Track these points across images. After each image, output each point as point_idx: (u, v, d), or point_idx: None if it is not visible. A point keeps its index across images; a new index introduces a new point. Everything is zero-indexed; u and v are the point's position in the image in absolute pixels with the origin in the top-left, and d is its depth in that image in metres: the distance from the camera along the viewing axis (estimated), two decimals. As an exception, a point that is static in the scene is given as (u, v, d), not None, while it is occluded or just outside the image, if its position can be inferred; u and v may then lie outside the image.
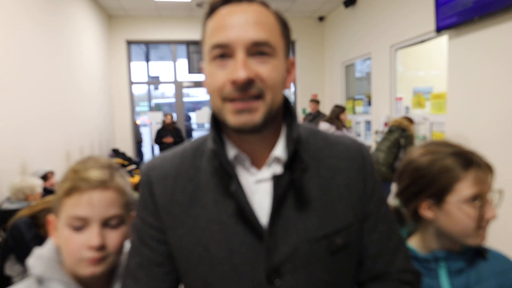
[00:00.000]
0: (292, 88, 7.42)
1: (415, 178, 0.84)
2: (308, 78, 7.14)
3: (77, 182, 0.74)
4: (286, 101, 0.69)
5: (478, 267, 0.84)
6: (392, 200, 0.93)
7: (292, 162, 0.64)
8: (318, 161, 0.68)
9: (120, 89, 6.61)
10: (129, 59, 6.78)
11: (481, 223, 0.79)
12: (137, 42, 6.95)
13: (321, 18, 6.96)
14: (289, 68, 0.66)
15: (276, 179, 0.62)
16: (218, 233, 0.63)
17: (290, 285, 0.62)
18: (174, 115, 7.03)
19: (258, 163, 0.67)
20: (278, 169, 0.65)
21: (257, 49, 0.59)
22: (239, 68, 0.57)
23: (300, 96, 7.21)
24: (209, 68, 0.62)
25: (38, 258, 0.79)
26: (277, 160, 0.66)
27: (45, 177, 3.05)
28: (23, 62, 3.13)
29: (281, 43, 0.63)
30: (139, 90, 12.61)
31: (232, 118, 0.60)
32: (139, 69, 12.24)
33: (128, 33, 6.56)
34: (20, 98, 3.04)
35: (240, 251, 0.63)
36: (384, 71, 4.94)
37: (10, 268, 2.17)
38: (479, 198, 0.78)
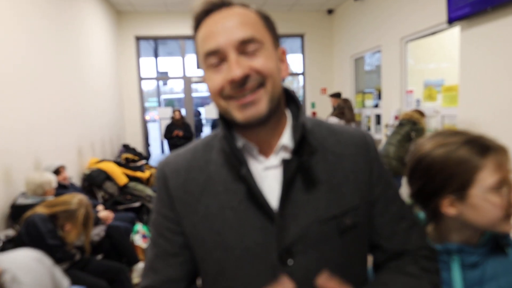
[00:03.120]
0: (301, 82, 7.38)
1: (430, 175, 0.77)
2: (317, 71, 7.09)
3: None
4: (286, 91, 0.73)
5: (496, 261, 0.79)
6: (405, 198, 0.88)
7: (299, 148, 0.67)
8: (323, 148, 0.71)
9: (129, 85, 6.65)
10: (138, 55, 6.81)
11: (510, 210, 0.74)
12: (146, 38, 6.98)
13: (330, 11, 6.89)
14: (281, 57, 0.70)
15: (285, 163, 0.66)
16: (230, 218, 0.67)
17: (302, 265, 0.65)
18: (183, 111, 7.06)
19: (265, 152, 0.70)
20: (286, 156, 0.69)
21: (246, 47, 0.63)
22: (233, 68, 0.61)
23: (308, 90, 7.17)
24: (206, 75, 0.67)
25: None
26: (284, 148, 0.69)
27: (56, 172, 3.10)
28: (34, 59, 3.16)
29: (267, 35, 0.67)
30: (148, 86, 12.67)
31: (238, 114, 0.64)
32: (148, 65, 12.30)
33: (137, 29, 6.58)
34: (32, 95, 3.09)
35: (252, 235, 0.66)
36: (395, 64, 4.88)
37: None
38: (504, 184, 0.73)
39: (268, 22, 0.69)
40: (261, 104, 0.63)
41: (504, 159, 0.75)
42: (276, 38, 0.70)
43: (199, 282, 0.76)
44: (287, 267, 0.65)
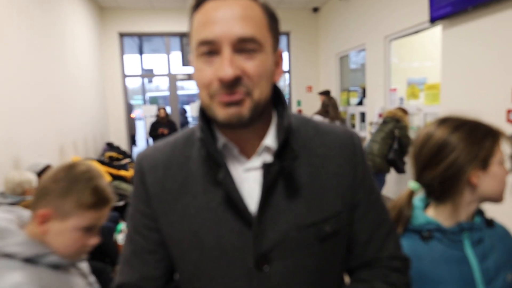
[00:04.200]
0: (287, 80, 7.40)
1: (460, 151, 0.86)
2: (303, 69, 7.12)
3: None
4: (276, 91, 0.69)
5: (490, 235, 0.90)
6: (412, 184, 0.95)
7: (282, 151, 0.64)
8: (308, 150, 0.68)
9: (113, 82, 6.55)
10: (122, 52, 6.71)
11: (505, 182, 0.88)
12: (130, 35, 6.88)
13: (315, 9, 6.92)
14: (278, 60, 0.66)
15: (266, 167, 0.63)
16: (207, 220, 0.65)
17: (279, 271, 0.64)
18: (168, 109, 7.00)
19: (247, 153, 0.67)
20: (268, 158, 0.66)
21: (243, 45, 0.58)
22: (226, 66, 0.57)
23: (294, 88, 7.20)
24: (196, 63, 0.62)
25: None
26: (267, 149, 0.66)
27: (44, 170, 3.04)
28: (14, 55, 3.08)
29: (269, 37, 0.62)
30: (133, 83, 12.51)
31: (220, 112, 0.60)
32: (133, 62, 12.13)
33: (121, 25, 6.48)
34: (13, 91, 3.01)
35: (229, 238, 0.64)
36: (379, 62, 4.94)
37: None
38: (502, 160, 0.88)
39: (273, 21, 0.64)
40: (244, 107, 0.59)
41: (501, 140, 0.89)
42: (277, 39, 0.66)
43: (176, 276, 0.75)
44: (263, 273, 0.63)
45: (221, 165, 0.63)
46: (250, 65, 0.59)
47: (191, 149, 0.69)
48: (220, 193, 0.64)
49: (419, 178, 0.93)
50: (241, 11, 0.59)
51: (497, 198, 0.89)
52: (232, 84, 0.58)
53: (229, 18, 0.58)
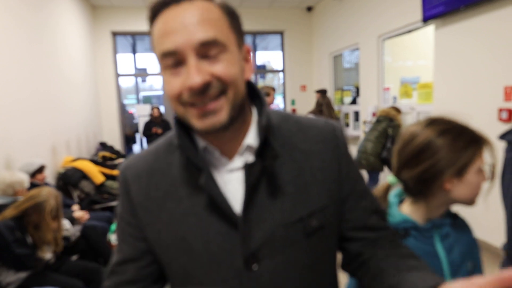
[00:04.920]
0: (281, 79, 7.40)
1: (439, 157, 0.88)
2: (297, 68, 7.12)
3: None
4: (251, 87, 0.68)
5: (453, 228, 0.96)
6: (390, 178, 0.99)
7: (263, 150, 0.64)
8: (290, 146, 0.68)
9: (106, 82, 6.50)
10: (115, 51, 6.67)
11: (481, 188, 0.92)
12: (123, 34, 6.83)
13: (309, 8, 6.93)
14: (246, 56, 0.65)
15: (247, 167, 0.62)
16: (194, 225, 0.65)
17: (268, 269, 0.64)
18: (162, 108, 6.97)
19: (229, 153, 0.67)
20: (250, 157, 0.66)
21: (207, 50, 0.57)
22: (193, 74, 0.56)
23: (289, 87, 7.20)
24: (164, 76, 0.60)
25: None
26: (249, 148, 0.66)
27: (39, 170, 3.03)
28: (5, 54, 3.04)
29: (231, 35, 0.61)
30: (127, 83, 12.44)
31: (197, 123, 0.59)
32: (126, 61, 12.05)
33: (114, 24, 6.43)
34: (4, 90, 2.97)
35: (216, 241, 0.64)
36: (372, 61, 4.96)
37: (6, 276, 2.13)
38: (481, 167, 0.90)
39: (233, 19, 0.62)
40: (222, 113, 0.59)
41: (484, 148, 0.91)
42: (241, 36, 0.64)
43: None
44: (253, 272, 0.63)
45: (203, 169, 0.62)
46: (218, 67, 0.58)
47: (172, 155, 0.69)
48: (204, 197, 0.64)
49: (397, 174, 0.96)
50: (197, 14, 0.57)
51: (468, 203, 0.93)
52: (202, 91, 0.57)
53: (187, 24, 0.56)
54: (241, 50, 0.64)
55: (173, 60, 0.58)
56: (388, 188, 1.00)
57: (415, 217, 0.95)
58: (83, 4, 5.72)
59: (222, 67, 0.58)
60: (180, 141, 0.64)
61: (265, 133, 0.64)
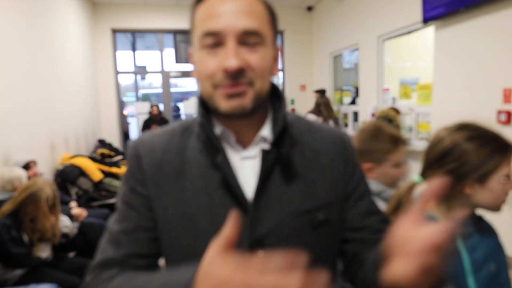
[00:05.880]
0: (281, 79, 7.40)
1: (463, 162, 0.90)
2: (297, 68, 7.12)
3: None
4: (274, 88, 0.71)
5: (478, 230, 0.97)
6: (415, 177, 1.02)
7: (279, 140, 0.67)
8: (301, 143, 0.71)
9: (105, 79, 6.49)
10: (115, 48, 6.65)
11: (507, 196, 0.92)
12: (123, 31, 6.82)
13: (309, 8, 6.93)
14: (276, 56, 0.68)
15: (264, 153, 0.65)
16: (204, 204, 0.66)
17: None
18: (161, 106, 6.96)
19: (244, 142, 0.69)
20: (265, 147, 0.68)
21: (247, 38, 0.60)
22: (231, 57, 0.58)
23: (288, 86, 7.20)
24: (199, 55, 0.63)
25: None
26: (263, 140, 0.68)
27: (26, 167, 3.00)
28: (4, 51, 3.03)
29: (270, 32, 0.64)
30: (126, 80, 12.42)
31: (223, 103, 0.62)
32: (125, 59, 12.03)
33: (113, 21, 6.42)
34: (2, 88, 2.96)
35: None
36: (372, 62, 4.96)
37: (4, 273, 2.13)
38: (509, 175, 0.91)
39: (273, 18, 0.66)
40: (246, 98, 0.61)
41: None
42: (276, 36, 0.68)
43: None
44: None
45: (220, 150, 0.65)
46: (253, 57, 0.61)
47: (188, 138, 0.71)
48: (217, 178, 0.66)
49: (423, 174, 1.00)
50: (246, 5, 0.61)
51: (492, 209, 0.94)
52: (236, 75, 0.59)
53: (234, 11, 0.60)
54: (274, 48, 0.67)
55: (212, 40, 0.61)
56: (412, 186, 1.02)
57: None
58: (83, 1, 5.70)
59: (257, 58, 0.61)
60: (202, 119, 0.67)
61: (284, 123, 0.67)
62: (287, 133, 0.67)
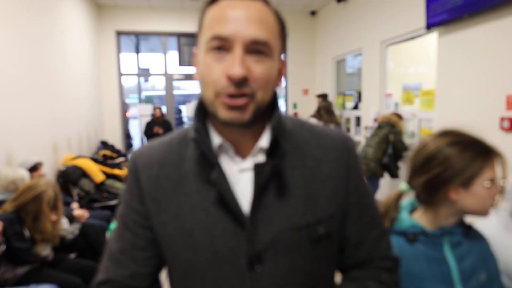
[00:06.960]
0: (284, 83, 7.41)
1: (446, 166, 0.91)
2: (299, 72, 7.13)
3: None
4: (274, 96, 0.70)
5: (468, 241, 0.97)
6: (402, 185, 1.02)
7: (273, 151, 0.65)
8: (303, 151, 0.69)
9: (109, 81, 6.52)
10: (119, 50, 6.69)
11: (493, 200, 0.92)
12: (127, 33, 6.85)
13: (313, 13, 6.95)
14: (281, 68, 0.67)
15: (257, 167, 0.63)
16: (201, 219, 0.65)
17: (271, 272, 0.64)
18: (164, 108, 6.98)
19: (243, 153, 0.67)
20: (262, 159, 0.66)
21: (255, 47, 0.59)
22: (237, 65, 0.57)
23: (291, 91, 7.21)
24: (205, 58, 0.62)
25: None
26: (262, 150, 0.67)
27: (34, 167, 3.01)
28: (9, 52, 3.05)
29: (278, 43, 0.63)
30: (129, 82, 12.47)
31: (223, 112, 0.60)
32: (129, 61, 12.09)
33: (118, 24, 6.46)
34: (5, 88, 2.98)
35: (222, 238, 0.64)
36: (375, 67, 4.97)
37: (8, 272, 2.13)
38: (494, 179, 0.91)
39: (283, 30, 0.65)
40: (247, 112, 0.60)
41: (496, 161, 0.92)
42: (284, 48, 0.66)
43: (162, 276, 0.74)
44: (255, 274, 0.63)
45: (215, 165, 0.63)
46: (258, 68, 0.59)
47: (186, 148, 0.69)
48: (213, 192, 0.64)
49: (409, 181, 1.00)
50: (257, 13, 0.59)
51: (479, 214, 0.93)
52: (240, 84, 0.58)
53: (244, 19, 0.58)
54: (280, 61, 0.66)
55: (219, 44, 0.59)
56: (399, 195, 1.02)
57: (425, 223, 0.97)
58: (89, 3, 5.74)
59: (262, 69, 0.60)
60: (196, 134, 0.65)
61: (274, 133, 0.65)
62: (278, 143, 0.65)
